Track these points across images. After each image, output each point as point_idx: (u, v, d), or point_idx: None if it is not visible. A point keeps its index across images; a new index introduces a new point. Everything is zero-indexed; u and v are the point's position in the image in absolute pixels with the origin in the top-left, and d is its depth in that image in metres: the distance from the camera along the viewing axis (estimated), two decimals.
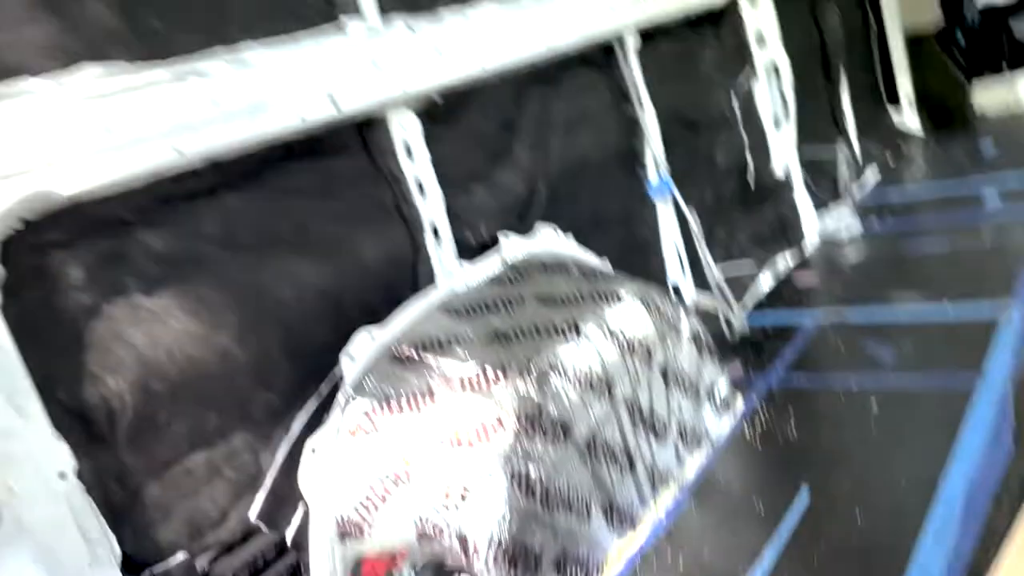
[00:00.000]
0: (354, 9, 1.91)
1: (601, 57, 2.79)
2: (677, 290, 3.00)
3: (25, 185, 1.27)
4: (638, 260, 2.83)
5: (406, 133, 2.04)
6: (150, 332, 1.50)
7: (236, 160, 1.65)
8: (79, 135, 1.34)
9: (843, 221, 3.64)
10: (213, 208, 1.65)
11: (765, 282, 3.23)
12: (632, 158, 2.88)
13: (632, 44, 2.81)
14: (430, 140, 2.11)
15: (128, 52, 1.50)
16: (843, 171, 3.96)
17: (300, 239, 1.83)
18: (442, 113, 2.19)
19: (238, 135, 1.59)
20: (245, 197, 1.72)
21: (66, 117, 1.34)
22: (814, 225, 3.61)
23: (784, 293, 3.15)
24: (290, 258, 1.80)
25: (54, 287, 1.39)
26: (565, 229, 2.42)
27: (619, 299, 2.01)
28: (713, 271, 2.99)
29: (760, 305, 3.07)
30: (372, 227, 1.99)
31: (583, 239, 2.47)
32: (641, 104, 2.84)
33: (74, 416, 1.38)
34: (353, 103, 1.84)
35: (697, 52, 3.27)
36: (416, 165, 2.07)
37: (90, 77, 1.42)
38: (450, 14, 2.20)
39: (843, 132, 4.24)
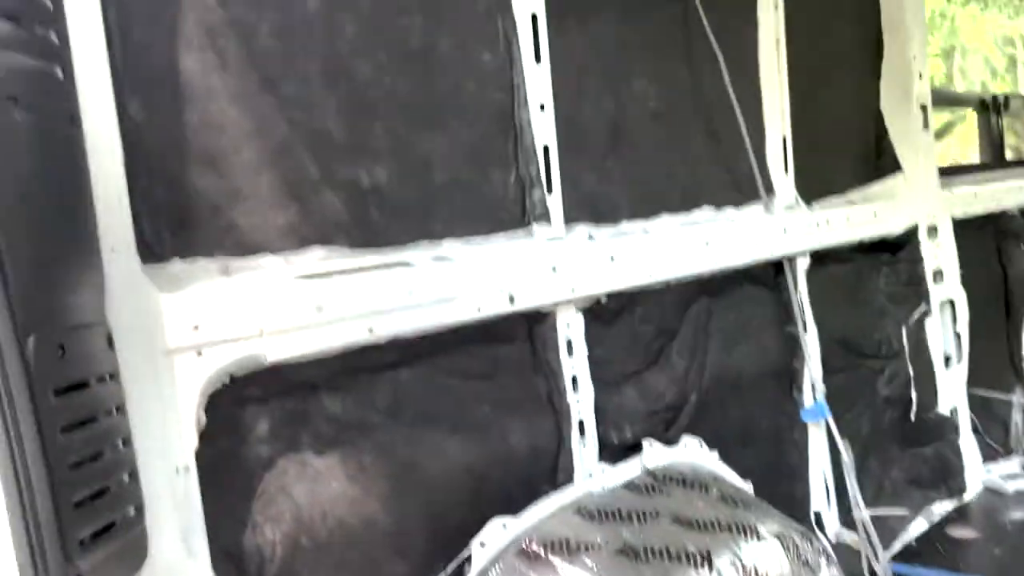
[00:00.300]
0: (545, 218, 2.09)
1: (769, 274, 2.84)
2: (820, 521, 2.86)
3: (241, 349, 1.46)
4: (783, 483, 2.75)
5: (570, 330, 2.16)
6: (312, 490, 1.63)
7: (414, 339, 1.81)
8: (293, 310, 1.53)
9: (1011, 473, 3.39)
10: (387, 381, 1.80)
11: (917, 528, 3.02)
12: (788, 377, 2.85)
13: (802, 265, 2.85)
14: (590, 337, 2.21)
15: (348, 239, 1.72)
16: (1017, 420, 3.71)
17: (456, 418, 1.94)
18: (605, 313, 2.31)
19: (424, 322, 1.75)
20: (416, 373, 1.87)
21: (286, 293, 1.54)
22: (978, 474, 3.37)
23: (937, 544, 2.93)
24: (444, 435, 1.91)
25: (241, 438, 1.55)
26: (711, 442, 2.41)
27: (757, 535, 1.96)
28: (860, 507, 2.84)
29: (908, 553, 2.86)
30: (522, 415, 2.08)
31: (728, 454, 2.44)
32: (804, 324, 2.84)
33: (231, 560, 1.50)
34: (527, 301, 1.99)
35: (868, 279, 3.26)
36: (574, 361, 2.17)
37: (314, 258, 1.65)
38: (629, 224, 2.35)
39: (1021, 378, 4.00)
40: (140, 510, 1.32)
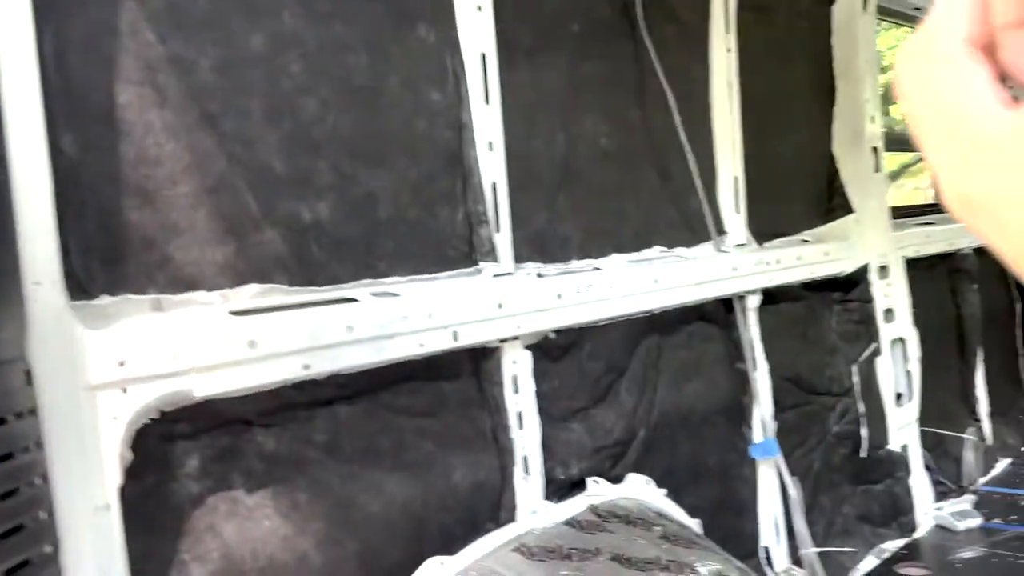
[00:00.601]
0: (492, 256, 2.11)
1: (720, 311, 2.87)
2: (769, 557, 2.87)
3: (169, 385, 1.45)
4: (732, 520, 2.76)
5: (516, 367, 2.16)
6: (241, 527, 1.62)
7: (355, 374, 1.81)
8: (225, 345, 1.53)
9: (961, 511, 3.42)
10: (325, 417, 1.80)
11: (867, 565, 3.04)
12: (738, 414, 2.87)
13: (752, 303, 2.89)
14: (538, 373, 2.22)
15: (288, 275, 1.73)
16: (969, 457, 3.75)
17: (397, 455, 1.93)
18: (554, 348, 2.32)
19: (363, 359, 1.75)
20: (356, 409, 1.86)
21: (217, 328, 1.53)
22: (929, 510, 3.40)
23: None
24: (384, 473, 1.90)
25: (170, 475, 1.54)
26: (660, 478, 2.42)
27: (695, 574, 1.96)
28: (807, 543, 2.86)
29: None
30: (467, 452, 2.07)
31: (677, 491, 2.45)
32: (755, 362, 2.87)
33: None
34: (472, 338, 1.99)
35: (820, 317, 3.31)
36: (520, 397, 2.17)
37: (250, 295, 1.64)
38: (579, 262, 2.37)
39: (974, 415, 4.06)
40: (57, 548, 1.30)
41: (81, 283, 1.42)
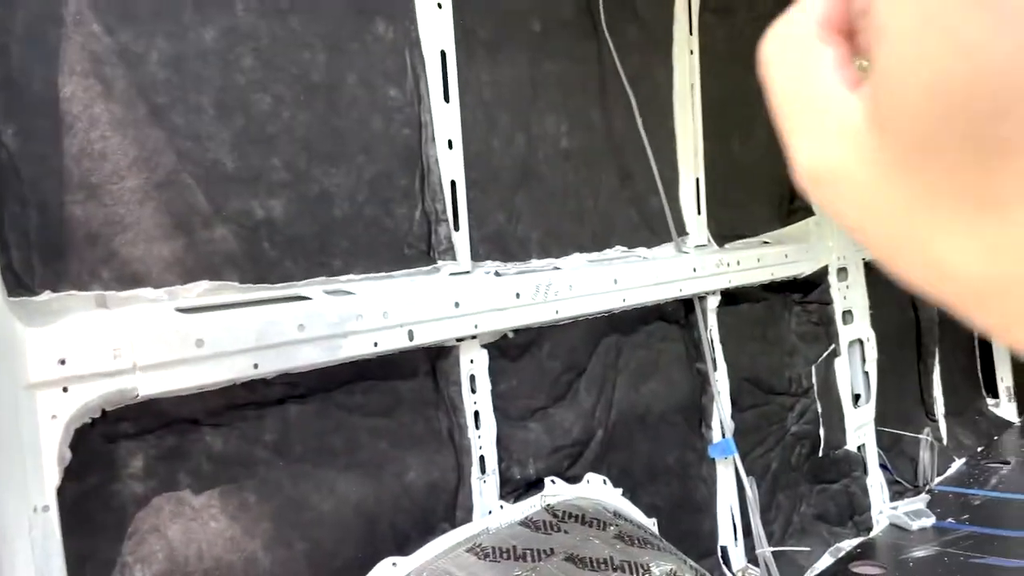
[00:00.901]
0: (450, 254, 2.10)
1: (680, 312, 2.89)
2: (726, 556, 2.90)
3: (111, 384, 1.42)
4: (690, 519, 2.78)
5: (473, 367, 2.16)
6: (187, 528, 1.59)
7: (308, 373, 1.79)
8: (170, 344, 1.50)
9: (916, 510, 3.48)
10: (276, 416, 1.77)
11: (822, 564, 3.08)
12: (697, 414, 2.90)
13: (712, 304, 2.91)
14: (496, 372, 2.21)
15: (239, 273, 1.70)
16: (925, 457, 3.82)
17: (350, 455, 1.91)
18: (512, 348, 2.31)
19: (314, 358, 1.73)
20: (308, 408, 1.84)
21: (163, 326, 1.50)
22: (884, 509, 3.46)
23: None
24: (336, 472, 1.88)
25: (113, 475, 1.51)
26: (618, 478, 2.43)
27: (649, 574, 1.97)
28: (763, 543, 2.89)
29: None
30: (422, 451, 2.06)
31: (635, 490, 2.46)
32: (714, 362, 2.90)
33: None
34: (428, 337, 1.98)
35: (780, 318, 3.34)
36: (477, 397, 2.17)
37: (198, 292, 1.62)
38: (538, 262, 2.37)
39: (931, 416, 4.13)
40: None
41: (21, 279, 1.39)
